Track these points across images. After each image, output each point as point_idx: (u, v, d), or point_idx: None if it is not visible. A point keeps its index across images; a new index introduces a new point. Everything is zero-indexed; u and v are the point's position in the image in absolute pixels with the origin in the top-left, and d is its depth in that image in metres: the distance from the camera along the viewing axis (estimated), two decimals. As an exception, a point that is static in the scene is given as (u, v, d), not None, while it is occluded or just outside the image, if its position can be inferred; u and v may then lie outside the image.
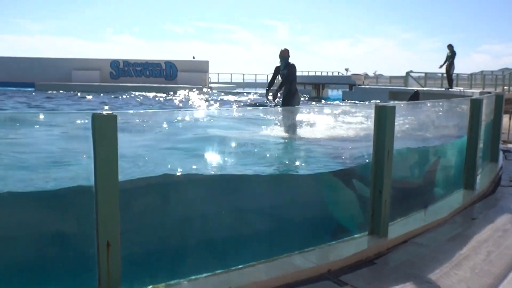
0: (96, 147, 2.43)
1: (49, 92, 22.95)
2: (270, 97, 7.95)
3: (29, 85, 25.53)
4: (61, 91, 23.53)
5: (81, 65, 30.93)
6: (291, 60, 7.88)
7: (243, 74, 41.73)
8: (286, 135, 5.34)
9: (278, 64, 7.87)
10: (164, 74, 31.06)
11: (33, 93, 22.33)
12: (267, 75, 39.59)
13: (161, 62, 31.38)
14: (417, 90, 11.28)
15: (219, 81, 39.32)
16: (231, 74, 41.25)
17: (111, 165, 2.47)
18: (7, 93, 21.20)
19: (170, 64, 31.16)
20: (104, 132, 2.43)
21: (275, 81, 8.24)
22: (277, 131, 5.47)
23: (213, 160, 4.19)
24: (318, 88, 31.29)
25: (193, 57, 32.84)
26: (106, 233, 2.42)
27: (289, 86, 7.78)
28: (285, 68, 7.76)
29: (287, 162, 4.86)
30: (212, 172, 4.13)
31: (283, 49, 7.90)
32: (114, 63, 31.33)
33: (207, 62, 31.95)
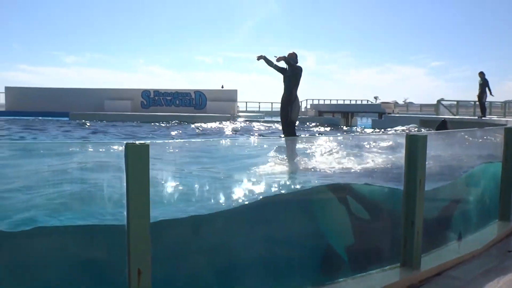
0: (129, 176, 2.48)
1: (83, 121, 23.61)
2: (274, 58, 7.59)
3: (64, 115, 26.32)
4: (94, 120, 24.14)
5: (113, 95, 31.78)
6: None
7: (271, 103, 42.11)
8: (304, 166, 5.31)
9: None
10: (194, 103, 31.55)
11: (69, 122, 23.03)
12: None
13: (190, 91, 31.94)
14: (444, 119, 11.14)
15: (248, 109, 39.71)
16: (259, 103, 41.69)
17: (142, 195, 2.52)
18: (46, 122, 21.93)
19: (199, 94, 31.67)
20: (137, 161, 2.48)
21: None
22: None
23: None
24: (347, 117, 31.17)
25: (222, 87, 33.36)
26: (137, 261, 2.45)
27: (289, 91, 7.35)
28: (291, 70, 7.41)
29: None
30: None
31: (291, 52, 7.65)
32: (145, 93, 32.06)
33: (235, 91, 32.34)
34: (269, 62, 7.53)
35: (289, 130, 7.37)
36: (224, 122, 24.21)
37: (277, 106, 30.11)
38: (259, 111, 38.74)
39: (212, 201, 4.08)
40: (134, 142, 2.48)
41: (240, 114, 31.97)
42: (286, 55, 7.52)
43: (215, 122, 23.99)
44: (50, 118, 25.26)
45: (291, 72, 7.37)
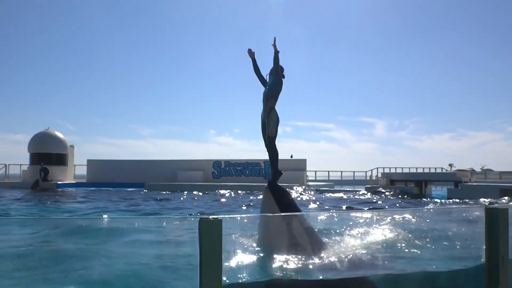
0: (202, 248, 2.57)
1: (159, 191, 24.58)
2: None
3: (140, 185, 27.61)
4: (167, 192, 25.02)
5: (186, 166, 33.04)
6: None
7: (341, 172, 41.68)
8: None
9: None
10: (263, 173, 31.95)
11: (144, 192, 24.07)
12: (365, 172, 39.11)
13: (260, 161, 32.49)
14: None
15: (317, 178, 39.49)
16: (328, 172, 41.39)
17: (215, 266, 2.58)
18: (125, 193, 23.01)
19: (269, 164, 32.06)
20: (210, 235, 2.57)
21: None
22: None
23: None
24: (421, 186, 30.03)
25: (291, 156, 33.65)
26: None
27: (266, 104, 6.73)
28: (272, 79, 6.79)
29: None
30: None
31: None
32: (216, 163, 33.04)
33: (304, 160, 32.48)
34: (256, 67, 6.94)
35: (270, 146, 6.84)
36: (292, 190, 24.21)
37: (347, 175, 29.59)
38: (328, 180, 38.39)
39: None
40: (207, 217, 2.59)
41: (310, 183, 31.82)
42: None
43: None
44: (127, 188, 26.56)
45: (269, 85, 6.78)
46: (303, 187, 27.45)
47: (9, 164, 34.24)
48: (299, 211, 6.16)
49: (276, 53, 6.67)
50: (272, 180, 6.68)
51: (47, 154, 31.21)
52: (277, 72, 6.66)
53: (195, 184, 28.33)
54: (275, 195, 6.22)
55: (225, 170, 32.81)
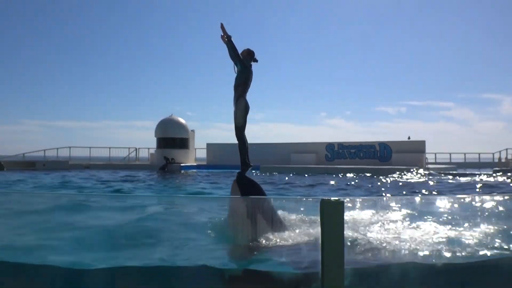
0: (324, 230, 2.60)
1: (274, 173, 25.16)
2: None
3: (255, 168, 28.47)
4: (280, 173, 25.49)
5: (299, 148, 33.30)
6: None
7: (464, 154, 38.91)
8: None
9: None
10: (378, 156, 31.06)
11: (258, 174, 24.81)
12: (493, 154, 36.06)
13: (375, 143, 31.60)
14: None
15: (437, 161, 37.36)
16: (450, 153, 38.91)
17: (337, 248, 2.60)
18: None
19: (384, 145, 31.11)
20: (332, 217, 2.60)
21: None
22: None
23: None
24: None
25: (408, 138, 32.21)
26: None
27: (235, 91, 6.38)
28: (240, 68, 6.36)
29: None
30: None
31: (245, 49, 6.53)
32: (329, 146, 32.81)
33: (423, 142, 30.88)
34: (232, 49, 6.32)
35: (237, 136, 6.57)
36: (410, 174, 23.21)
37: (471, 157, 27.58)
38: (450, 163, 36.10)
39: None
40: (329, 198, 2.61)
41: (429, 166, 30.23)
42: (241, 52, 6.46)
43: (402, 174, 23.16)
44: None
45: (240, 72, 6.36)
46: (422, 170, 26.14)
47: (139, 148, 37.45)
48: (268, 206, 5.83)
49: (228, 38, 6.25)
50: (240, 172, 6.47)
51: (171, 138, 33.49)
52: (238, 59, 6.27)
53: (308, 167, 28.46)
54: (243, 188, 6.05)
55: (339, 153, 32.47)
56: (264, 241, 5.08)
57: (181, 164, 31.40)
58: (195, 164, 33.94)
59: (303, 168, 27.82)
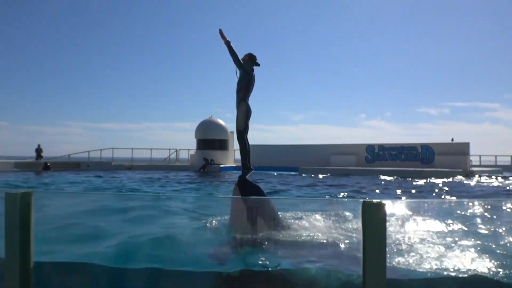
0: (365, 233, 2.63)
1: (312, 175, 25.06)
2: None
3: (293, 169, 28.43)
4: (320, 175, 25.34)
5: (339, 150, 33.03)
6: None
7: (511, 156, 37.54)
8: None
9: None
10: (420, 158, 30.39)
11: (298, 176, 24.76)
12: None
13: (416, 145, 30.94)
14: None
15: (482, 164, 36.19)
16: (495, 156, 37.60)
17: (378, 250, 2.62)
18: (283, 176, 23.98)
19: (426, 147, 30.42)
20: (373, 218, 2.62)
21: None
22: None
23: None
24: None
25: (452, 139, 31.35)
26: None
27: (237, 95, 6.41)
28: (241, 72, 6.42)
29: None
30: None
31: (247, 54, 6.55)
32: (370, 147, 32.37)
33: (467, 144, 29.97)
34: (232, 54, 6.36)
35: (238, 140, 6.71)
36: (455, 178, 22.60)
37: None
38: (495, 165, 34.88)
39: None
40: (370, 200, 2.64)
41: (474, 169, 29.34)
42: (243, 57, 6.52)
43: (445, 177, 22.59)
44: (282, 172, 27.58)
45: (241, 76, 6.40)
46: (467, 172, 25.38)
47: (179, 149, 38.10)
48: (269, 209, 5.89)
49: (227, 44, 6.31)
50: (241, 175, 6.53)
51: (211, 140, 33.94)
52: (238, 64, 6.33)
53: (348, 169, 28.18)
54: (244, 192, 6.08)
55: (379, 155, 31.99)
56: (264, 241, 5.19)
57: (220, 165, 31.74)
58: (234, 165, 34.24)
59: (342, 169, 27.59)
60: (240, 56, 6.45)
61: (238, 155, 37.39)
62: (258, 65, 6.53)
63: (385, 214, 2.58)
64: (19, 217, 3.04)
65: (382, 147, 32.08)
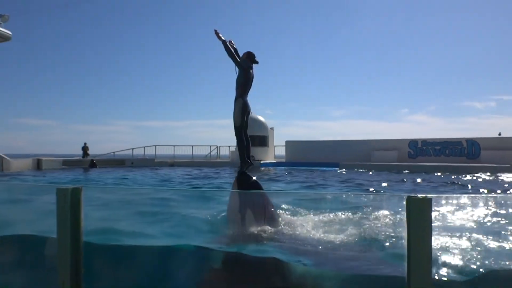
0: (410, 229, 2.58)
1: (355, 170, 24.76)
2: None
3: (334, 165, 28.15)
4: (360, 170, 24.99)
5: (380, 145, 32.48)
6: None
7: None
8: None
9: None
10: (466, 153, 29.45)
11: (339, 172, 24.50)
12: None
13: (462, 140, 30.01)
14: None
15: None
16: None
17: (424, 247, 2.57)
18: (325, 172, 23.81)
19: (472, 142, 29.46)
20: (418, 213, 2.57)
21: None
22: None
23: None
24: None
25: (499, 134, 30.22)
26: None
27: (236, 93, 6.54)
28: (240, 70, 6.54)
29: None
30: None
31: (246, 52, 6.67)
32: (412, 143, 31.64)
33: (516, 138, 28.82)
34: (228, 53, 6.49)
35: (236, 135, 6.82)
36: (503, 173, 21.77)
37: None
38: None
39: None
40: (416, 195, 2.59)
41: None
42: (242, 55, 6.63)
43: (492, 173, 21.82)
44: (322, 168, 27.37)
45: (239, 74, 6.51)
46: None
47: (219, 146, 38.52)
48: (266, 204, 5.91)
49: (223, 43, 6.46)
50: (239, 170, 6.66)
51: (251, 136, 33.86)
52: (235, 62, 6.46)
53: (389, 164, 27.67)
54: (242, 186, 6.21)
55: (422, 150, 31.22)
56: (258, 233, 5.25)
57: (261, 161, 31.86)
58: (274, 161, 34.28)
59: (384, 165, 27.11)
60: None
61: (278, 151, 37.47)
62: (257, 62, 6.67)
63: (431, 210, 2.52)
64: (69, 212, 3.17)
65: (425, 142, 31.29)
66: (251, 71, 6.56)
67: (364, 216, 5.77)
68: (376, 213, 5.73)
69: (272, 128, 36.35)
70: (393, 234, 4.78)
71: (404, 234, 2.54)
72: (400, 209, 4.44)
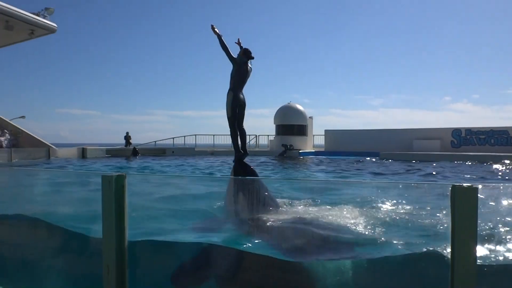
0: (455, 220, 2.52)
1: (391, 160, 24.30)
2: None
3: (374, 154, 27.71)
4: (402, 160, 24.49)
5: (422, 134, 31.69)
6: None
7: None
8: None
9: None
10: (512, 142, 28.39)
11: (379, 161, 24.11)
12: None
13: (508, 129, 28.91)
14: None
15: None
16: None
17: (469, 239, 2.51)
18: (364, 162, 23.51)
19: (519, 131, 28.35)
20: (464, 203, 2.50)
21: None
22: None
23: None
24: None
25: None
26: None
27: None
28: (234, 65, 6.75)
29: None
30: None
31: (243, 48, 6.88)
32: (456, 132, 30.74)
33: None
34: (223, 46, 6.76)
35: (229, 126, 7.04)
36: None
37: None
38: None
39: None
40: (461, 184, 2.52)
41: None
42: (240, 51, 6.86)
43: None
44: (362, 157, 27.00)
45: (233, 68, 6.77)
46: None
47: (258, 135, 38.61)
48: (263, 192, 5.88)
49: (218, 38, 6.72)
50: (235, 159, 6.95)
51: (290, 125, 33.96)
52: (229, 56, 6.73)
53: (431, 154, 26.98)
54: (239, 174, 6.42)
55: (466, 139, 30.28)
56: (255, 221, 5.25)
57: (300, 151, 31.75)
58: (313, 150, 34.09)
59: (427, 155, 26.46)
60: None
61: (317, 141, 37.22)
62: (252, 58, 6.91)
63: (477, 199, 2.45)
64: (114, 198, 3.27)
65: (469, 131, 30.32)
66: (247, 67, 6.84)
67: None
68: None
69: (311, 117, 36.10)
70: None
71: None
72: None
